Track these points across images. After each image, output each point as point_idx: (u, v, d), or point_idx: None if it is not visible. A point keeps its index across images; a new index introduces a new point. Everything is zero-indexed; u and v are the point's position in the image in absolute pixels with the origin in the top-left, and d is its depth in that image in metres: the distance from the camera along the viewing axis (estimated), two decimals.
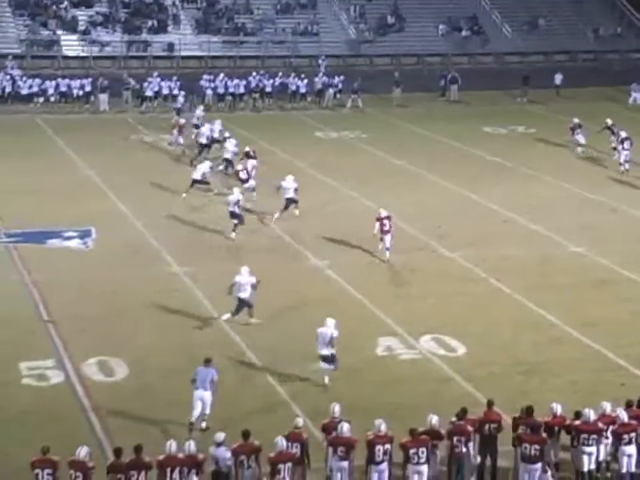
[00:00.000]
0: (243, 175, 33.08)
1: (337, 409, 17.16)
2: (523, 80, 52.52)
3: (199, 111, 41.61)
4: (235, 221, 29.34)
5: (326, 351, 20.54)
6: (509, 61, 61.90)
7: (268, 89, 50.51)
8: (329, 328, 20.57)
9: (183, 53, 58.24)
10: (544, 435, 16.76)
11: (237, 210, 29.34)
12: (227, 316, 23.43)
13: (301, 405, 19.57)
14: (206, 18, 61.15)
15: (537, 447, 16.54)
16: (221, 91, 49.92)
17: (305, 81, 50.70)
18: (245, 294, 23.16)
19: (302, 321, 23.41)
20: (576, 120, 40.21)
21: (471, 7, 65.84)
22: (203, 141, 37.68)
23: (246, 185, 32.67)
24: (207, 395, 18.78)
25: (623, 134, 37.56)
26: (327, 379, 20.54)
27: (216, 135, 38.22)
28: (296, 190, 30.85)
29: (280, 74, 51.92)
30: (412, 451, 16.41)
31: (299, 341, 22.24)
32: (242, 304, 23.30)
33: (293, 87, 50.64)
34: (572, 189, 35.16)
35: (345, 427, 16.61)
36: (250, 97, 50.36)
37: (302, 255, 28.51)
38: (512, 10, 65.81)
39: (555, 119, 46.63)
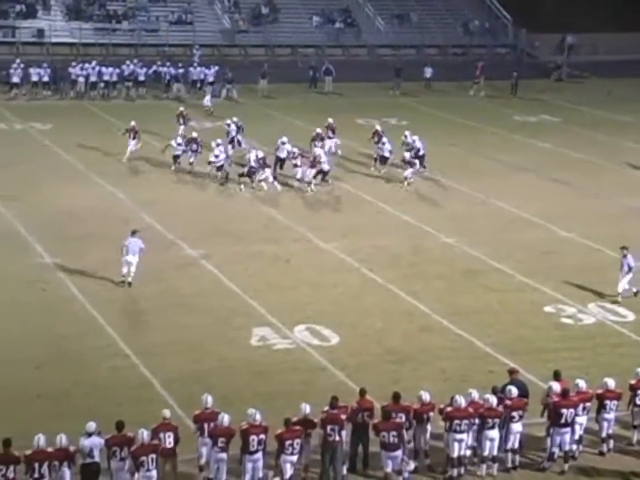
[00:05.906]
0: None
1: (209, 399, 17.14)
2: (395, 72, 53.07)
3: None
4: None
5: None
6: (381, 54, 62.56)
7: (141, 78, 49.90)
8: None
9: (54, 40, 57.14)
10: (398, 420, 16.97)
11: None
12: None
13: (174, 395, 19.49)
14: (77, 4, 60.07)
15: (395, 433, 16.80)
16: (93, 79, 49.03)
17: (181, 70, 50.24)
18: None
19: (177, 312, 23.44)
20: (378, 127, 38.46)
21: None
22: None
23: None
24: (135, 259, 24.58)
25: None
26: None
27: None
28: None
29: (158, 62, 51.44)
30: (287, 442, 16.51)
31: (178, 333, 22.28)
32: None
33: (168, 77, 50.11)
34: (441, 181, 35.68)
35: (225, 418, 16.59)
36: (123, 86, 49.68)
37: (176, 245, 28.34)
38: (384, 3, 66.55)
39: (426, 112, 47.44)
